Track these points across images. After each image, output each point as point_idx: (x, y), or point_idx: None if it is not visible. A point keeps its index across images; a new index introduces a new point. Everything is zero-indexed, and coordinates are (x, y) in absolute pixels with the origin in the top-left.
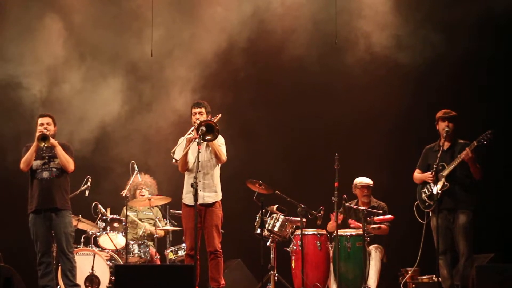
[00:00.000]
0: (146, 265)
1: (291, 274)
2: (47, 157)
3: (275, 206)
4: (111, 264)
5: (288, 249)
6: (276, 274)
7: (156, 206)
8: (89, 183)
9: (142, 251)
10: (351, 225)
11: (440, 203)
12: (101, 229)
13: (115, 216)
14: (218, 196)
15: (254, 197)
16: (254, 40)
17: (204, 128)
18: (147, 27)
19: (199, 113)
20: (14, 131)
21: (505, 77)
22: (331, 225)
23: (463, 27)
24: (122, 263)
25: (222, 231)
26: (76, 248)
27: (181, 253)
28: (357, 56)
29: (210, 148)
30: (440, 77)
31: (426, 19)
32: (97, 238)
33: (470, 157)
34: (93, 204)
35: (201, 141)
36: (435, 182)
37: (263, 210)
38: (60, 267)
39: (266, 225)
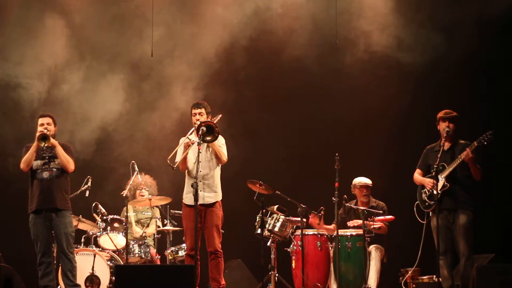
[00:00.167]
0: (146, 265)
1: (292, 274)
2: (47, 157)
3: (276, 206)
4: (111, 264)
5: (288, 249)
6: (277, 274)
7: (156, 206)
8: (89, 183)
9: (142, 251)
10: (352, 225)
11: (440, 203)
12: (101, 229)
13: (115, 216)
14: (219, 196)
15: (255, 197)
16: (255, 40)
17: (204, 129)
18: (148, 27)
19: (199, 113)
20: (15, 131)
21: (505, 77)
22: (316, 224)
23: (464, 27)
24: (122, 263)
25: (223, 231)
26: (77, 248)
27: (182, 253)
28: (358, 57)
29: (210, 149)
30: (441, 77)
31: (427, 19)
32: (98, 238)
33: (470, 157)
34: (93, 204)
35: (202, 142)
36: (436, 187)
37: (264, 210)
38: (60, 267)
39: (267, 225)
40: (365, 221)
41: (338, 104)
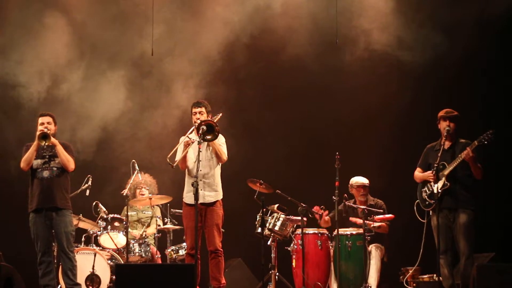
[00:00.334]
0: (146, 264)
1: (292, 273)
2: (47, 156)
3: (276, 205)
4: (112, 263)
5: (289, 248)
6: (277, 273)
7: (157, 205)
8: (89, 182)
9: (142, 250)
10: (354, 221)
11: (440, 202)
12: (102, 228)
13: (115, 215)
14: (219, 195)
15: (255, 196)
16: (255, 39)
17: (204, 128)
18: (148, 25)
19: (199, 112)
20: (16, 131)
21: (505, 77)
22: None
23: (464, 27)
24: (123, 262)
25: (223, 230)
26: (77, 247)
27: (182, 252)
28: (358, 55)
29: (210, 148)
30: (441, 77)
31: (427, 19)
32: (98, 237)
33: (470, 156)
34: (94, 203)
35: (202, 140)
36: (436, 181)
37: (264, 209)
38: (60, 267)
39: (267, 224)
40: (365, 220)
41: (338, 103)
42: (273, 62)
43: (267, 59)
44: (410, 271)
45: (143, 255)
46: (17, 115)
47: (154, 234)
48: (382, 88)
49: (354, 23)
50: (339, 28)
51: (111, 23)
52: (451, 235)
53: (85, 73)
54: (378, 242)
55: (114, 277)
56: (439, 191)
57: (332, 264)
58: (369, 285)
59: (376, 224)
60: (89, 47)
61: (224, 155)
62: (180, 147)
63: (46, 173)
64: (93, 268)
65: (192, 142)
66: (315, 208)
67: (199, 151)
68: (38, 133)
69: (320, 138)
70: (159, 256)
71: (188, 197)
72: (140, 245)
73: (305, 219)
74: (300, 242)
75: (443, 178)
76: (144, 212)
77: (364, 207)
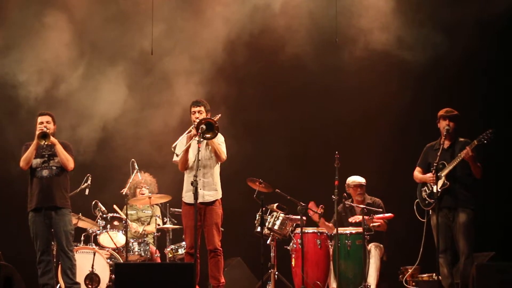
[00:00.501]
0: (146, 263)
1: (291, 272)
2: (47, 156)
3: (275, 205)
4: (111, 262)
5: (288, 247)
6: (276, 272)
7: (156, 204)
8: (89, 182)
9: (142, 249)
10: (354, 221)
11: (440, 202)
12: (101, 227)
13: (115, 215)
14: (218, 195)
15: (254, 195)
16: (255, 38)
17: (204, 126)
18: (148, 23)
19: (199, 111)
20: (16, 131)
21: (505, 77)
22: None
23: (464, 27)
24: (122, 261)
25: (222, 229)
26: (76, 246)
27: (181, 251)
28: (357, 55)
29: (210, 147)
30: (441, 76)
31: (427, 18)
32: (97, 236)
33: (470, 155)
34: (93, 203)
35: (201, 139)
36: (436, 183)
37: (263, 208)
38: (60, 266)
39: (266, 223)
40: (364, 218)
41: (338, 102)
42: (272, 61)
43: (267, 59)
44: (410, 270)
45: (143, 254)
46: (17, 115)
47: (154, 233)
48: (382, 88)
49: (354, 22)
50: (339, 28)
51: (111, 22)
52: (451, 234)
53: (85, 72)
54: (378, 241)
55: (113, 276)
56: (439, 190)
57: (331, 263)
58: (369, 284)
59: (376, 224)
60: (89, 46)
61: (223, 154)
62: (183, 139)
63: (45, 172)
64: (92, 267)
65: (195, 135)
66: (310, 204)
67: (198, 150)
68: (37, 132)
69: (320, 137)
70: (159, 255)
71: (187, 196)
72: (139, 244)
73: (304, 218)
74: (299, 241)
75: (443, 177)
76: (144, 211)
77: (364, 206)
